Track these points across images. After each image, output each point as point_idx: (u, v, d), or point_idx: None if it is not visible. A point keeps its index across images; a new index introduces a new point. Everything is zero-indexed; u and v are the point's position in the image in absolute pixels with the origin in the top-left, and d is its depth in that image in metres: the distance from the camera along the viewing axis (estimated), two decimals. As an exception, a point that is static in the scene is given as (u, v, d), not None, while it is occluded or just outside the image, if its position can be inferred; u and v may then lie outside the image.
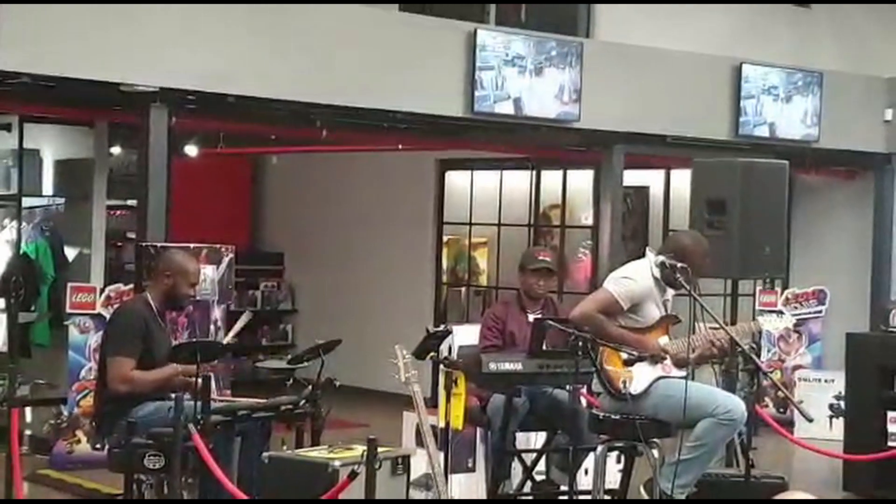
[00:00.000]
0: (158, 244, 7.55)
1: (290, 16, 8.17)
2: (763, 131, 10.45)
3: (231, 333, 6.61)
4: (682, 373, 6.19)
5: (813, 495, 2.54)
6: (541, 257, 7.04)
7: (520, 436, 6.91)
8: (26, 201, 9.91)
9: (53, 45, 7.22)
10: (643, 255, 6.41)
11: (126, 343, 6.06)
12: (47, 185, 10.16)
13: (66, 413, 8.61)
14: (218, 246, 8.43)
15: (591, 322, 6.08)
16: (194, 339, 7.83)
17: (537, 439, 7.21)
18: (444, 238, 12.63)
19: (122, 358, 6.03)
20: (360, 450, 5.28)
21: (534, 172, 11.98)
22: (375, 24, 8.63)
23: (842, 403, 9.68)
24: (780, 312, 10.92)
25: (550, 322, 6.37)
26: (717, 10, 11.02)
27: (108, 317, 7.76)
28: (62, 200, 9.97)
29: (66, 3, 7.23)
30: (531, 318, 6.81)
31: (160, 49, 7.59)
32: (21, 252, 9.70)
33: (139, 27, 7.51)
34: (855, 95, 11.13)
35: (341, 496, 5.11)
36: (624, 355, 6.01)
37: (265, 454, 5.67)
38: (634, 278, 6.24)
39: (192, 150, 11.31)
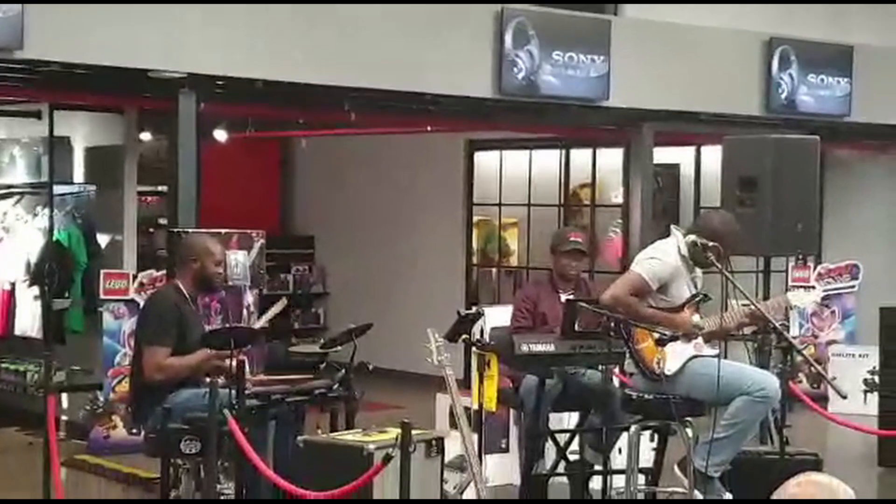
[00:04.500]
0: (189, 230, 7.58)
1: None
2: (794, 106, 10.37)
3: (264, 318, 6.63)
4: (715, 351, 6.18)
5: (835, 478, 2.50)
6: (572, 238, 7.01)
7: (553, 416, 6.91)
8: (57, 189, 9.96)
9: (81, 32, 7.23)
10: (669, 234, 6.40)
11: (160, 332, 6.10)
12: (78, 173, 10.21)
13: (101, 398, 8.68)
14: (249, 231, 8.46)
15: (622, 305, 6.07)
16: (228, 326, 7.87)
17: (570, 420, 7.22)
18: (474, 219, 12.63)
19: (156, 347, 6.08)
20: (393, 433, 5.29)
21: (563, 152, 11.94)
22: (403, 5, 8.60)
23: (876, 378, 9.63)
24: (812, 287, 10.85)
25: (583, 304, 6.36)
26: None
27: (141, 303, 7.82)
28: (93, 187, 10.02)
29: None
30: (563, 298, 6.80)
31: (188, 35, 7.60)
32: (54, 240, 9.75)
33: (167, 13, 7.52)
34: (887, 69, 11.01)
35: (376, 480, 5.12)
36: (656, 335, 6.00)
37: (300, 438, 5.70)
38: (662, 258, 6.23)
39: (221, 135, 11.35)
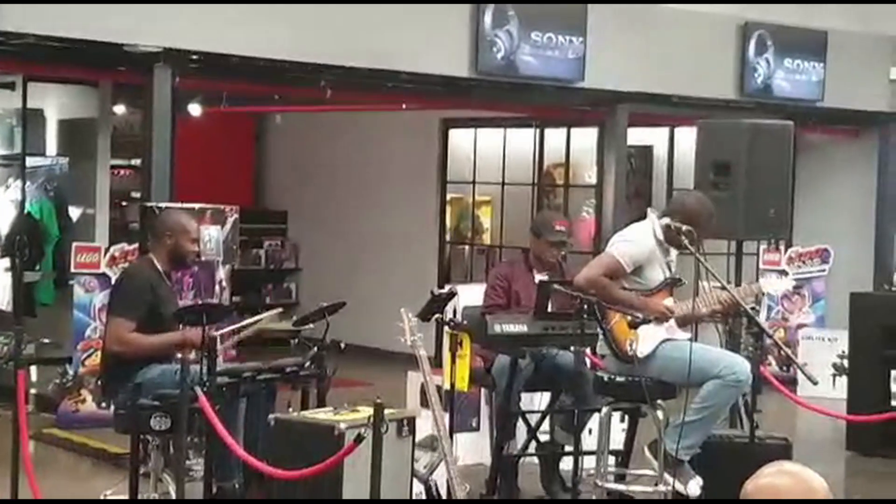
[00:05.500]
0: (162, 204, 7.54)
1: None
2: (770, 90, 10.40)
3: (251, 320, 6.55)
4: (687, 334, 6.21)
5: (807, 467, 2.52)
6: (559, 228, 6.92)
7: (524, 396, 6.93)
8: (30, 161, 9.89)
9: (57, 4, 7.17)
10: (645, 217, 6.41)
11: (128, 306, 6.08)
12: (51, 145, 10.14)
13: (71, 372, 8.64)
14: (222, 207, 8.42)
15: (596, 287, 6.08)
16: (200, 302, 7.84)
17: (542, 400, 7.24)
18: (448, 196, 12.62)
19: (122, 320, 6.06)
20: (365, 412, 5.28)
21: (537, 131, 11.94)
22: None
23: (845, 362, 9.70)
24: (784, 272, 10.90)
25: (556, 286, 6.36)
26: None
27: (112, 276, 7.78)
28: (66, 160, 9.95)
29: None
30: (537, 278, 6.80)
31: (163, 9, 7.54)
32: (25, 212, 9.69)
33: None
34: (860, 54, 11.06)
35: (347, 459, 5.12)
36: (629, 318, 6.02)
37: (271, 416, 5.68)
38: (637, 240, 6.24)
39: (195, 110, 11.28)
